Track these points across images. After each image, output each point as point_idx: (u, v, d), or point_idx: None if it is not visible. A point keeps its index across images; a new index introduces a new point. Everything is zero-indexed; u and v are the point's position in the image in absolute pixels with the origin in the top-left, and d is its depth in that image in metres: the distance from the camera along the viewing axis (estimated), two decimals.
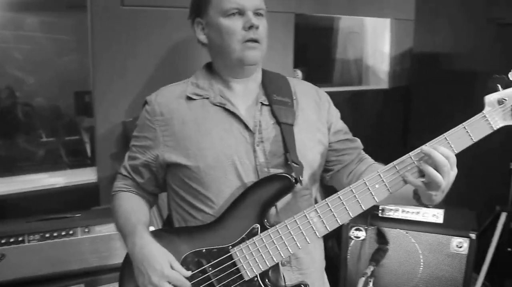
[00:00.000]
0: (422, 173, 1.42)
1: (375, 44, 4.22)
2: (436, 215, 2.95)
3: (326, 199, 1.52)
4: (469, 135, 1.44)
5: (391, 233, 3.01)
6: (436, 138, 1.45)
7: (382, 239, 3.01)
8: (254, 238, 1.56)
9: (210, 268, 1.58)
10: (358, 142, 1.87)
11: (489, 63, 3.91)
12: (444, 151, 1.38)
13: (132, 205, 1.75)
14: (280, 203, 1.64)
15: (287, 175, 1.57)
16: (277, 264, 1.61)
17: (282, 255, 1.56)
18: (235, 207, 1.60)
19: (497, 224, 3.50)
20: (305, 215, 1.54)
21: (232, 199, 1.60)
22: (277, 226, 1.55)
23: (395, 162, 1.48)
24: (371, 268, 2.81)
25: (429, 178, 1.39)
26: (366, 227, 3.02)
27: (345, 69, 4.23)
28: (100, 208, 2.95)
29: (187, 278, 1.55)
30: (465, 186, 3.17)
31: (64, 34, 4.65)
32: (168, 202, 1.81)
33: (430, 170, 1.38)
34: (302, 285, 1.63)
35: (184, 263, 1.58)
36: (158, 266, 1.50)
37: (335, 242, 3.54)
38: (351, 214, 1.51)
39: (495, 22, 3.38)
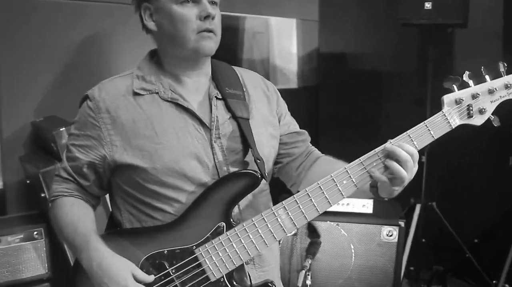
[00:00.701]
0: (387, 169, 1.44)
1: (281, 44, 4.22)
2: (366, 206, 2.97)
3: (295, 196, 1.48)
4: (430, 132, 1.48)
5: (322, 226, 2.97)
6: (400, 135, 1.47)
7: (313, 232, 2.95)
8: (220, 237, 1.49)
9: (174, 271, 1.49)
10: (306, 135, 1.82)
11: (393, 63, 4.09)
12: (409, 149, 1.41)
13: (78, 212, 1.59)
14: (242, 201, 1.57)
15: (253, 172, 1.50)
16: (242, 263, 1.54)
17: (250, 254, 1.49)
18: (198, 206, 1.50)
19: (412, 216, 3.61)
20: (274, 212, 1.48)
21: (194, 197, 1.51)
22: (244, 224, 1.49)
23: (361, 158, 1.47)
24: (309, 261, 2.72)
25: (395, 173, 1.41)
26: None
27: (251, 69, 4.17)
28: (7, 217, 2.71)
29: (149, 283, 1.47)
30: None
31: None
32: (114, 202, 1.67)
33: (396, 166, 1.40)
34: (269, 284, 1.57)
35: (144, 267, 1.49)
36: (122, 282, 1.42)
37: None
38: (319, 210, 1.48)
39: (398, 22, 3.51)
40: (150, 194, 1.53)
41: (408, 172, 1.40)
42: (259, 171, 1.51)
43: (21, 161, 2.74)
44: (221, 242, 1.48)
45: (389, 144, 1.43)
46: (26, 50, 2.79)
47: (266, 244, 1.49)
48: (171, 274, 1.48)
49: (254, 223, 1.48)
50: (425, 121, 1.47)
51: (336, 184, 1.47)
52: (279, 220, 1.48)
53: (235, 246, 1.48)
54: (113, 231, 1.63)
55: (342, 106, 4.21)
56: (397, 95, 4.12)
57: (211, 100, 1.59)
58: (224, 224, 1.49)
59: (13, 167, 2.76)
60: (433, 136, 1.48)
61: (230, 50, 4.14)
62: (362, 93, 4.12)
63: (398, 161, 1.40)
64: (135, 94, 1.55)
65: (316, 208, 1.48)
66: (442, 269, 3.71)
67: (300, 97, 4.26)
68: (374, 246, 2.94)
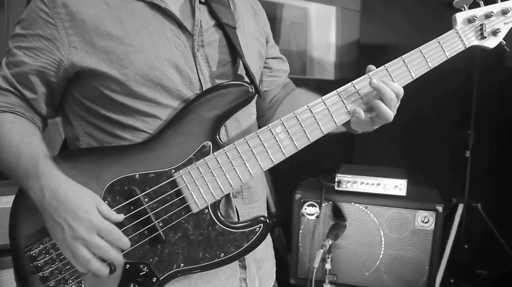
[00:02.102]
0: (369, 108, 1.31)
1: (319, 35, 4.02)
2: (398, 187, 2.64)
3: (294, 112, 1.28)
4: (443, 50, 1.36)
5: (348, 208, 2.66)
6: (412, 51, 1.34)
7: (338, 215, 2.65)
8: (205, 158, 1.24)
9: (146, 199, 1.22)
10: (288, 65, 1.66)
11: None
12: (395, 87, 1.29)
13: (21, 131, 1.27)
14: (230, 121, 1.34)
15: (246, 84, 1.28)
16: (228, 195, 1.33)
17: (242, 179, 1.26)
18: (179, 122, 1.25)
19: (454, 218, 3.26)
20: (270, 129, 1.26)
21: (173, 113, 1.27)
22: (235, 143, 1.25)
23: (338, 90, 1.32)
24: (330, 241, 2.43)
25: (381, 114, 1.28)
26: (320, 202, 2.64)
27: (288, 60, 3.98)
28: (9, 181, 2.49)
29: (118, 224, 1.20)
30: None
31: None
32: (68, 125, 1.37)
33: (383, 107, 1.27)
34: (261, 218, 1.30)
35: (109, 194, 1.22)
36: (83, 214, 1.15)
37: (282, 231, 3.14)
38: (323, 130, 1.29)
39: (443, 4, 3.24)
40: (118, 109, 1.26)
41: (392, 110, 1.28)
42: (252, 84, 1.28)
43: None
44: (206, 163, 1.23)
45: (376, 81, 1.27)
46: None
47: (261, 167, 1.25)
48: (143, 202, 1.22)
49: (246, 142, 1.25)
50: (437, 38, 1.35)
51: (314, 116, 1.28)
52: (277, 139, 1.26)
53: (223, 169, 1.24)
54: (67, 152, 1.34)
55: None
56: (443, 92, 3.81)
57: (193, 2, 1.34)
58: (210, 143, 1.25)
59: None
60: (446, 56, 1.35)
61: None
62: (404, 87, 3.83)
63: (382, 99, 1.27)
64: None
65: (320, 128, 1.28)
66: (486, 274, 3.29)
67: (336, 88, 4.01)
68: (407, 234, 2.60)
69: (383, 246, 2.62)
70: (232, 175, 1.24)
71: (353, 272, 2.66)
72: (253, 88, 1.27)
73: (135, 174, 1.22)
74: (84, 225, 1.14)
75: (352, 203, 2.65)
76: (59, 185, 1.18)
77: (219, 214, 1.26)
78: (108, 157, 1.24)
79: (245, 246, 1.26)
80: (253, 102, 1.42)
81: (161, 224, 1.22)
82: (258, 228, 1.27)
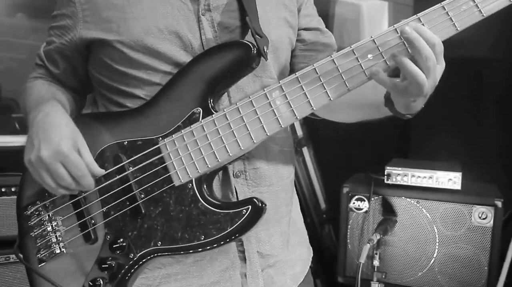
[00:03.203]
0: (394, 68, 1.05)
1: (373, 31, 3.89)
2: (453, 180, 2.47)
3: (296, 73, 1.11)
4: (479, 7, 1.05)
5: (399, 203, 2.51)
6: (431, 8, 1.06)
7: (388, 210, 2.51)
8: (192, 126, 1.15)
9: (130, 166, 1.19)
10: (332, 38, 1.46)
11: (497, 50, 3.58)
12: (430, 37, 1.01)
13: (48, 87, 1.36)
14: (235, 91, 1.24)
15: (247, 42, 1.14)
16: (228, 174, 1.22)
17: (229, 151, 1.13)
18: (172, 87, 1.19)
19: None
20: (265, 94, 1.12)
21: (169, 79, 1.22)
22: (225, 109, 1.14)
23: (352, 46, 1.08)
24: (378, 236, 2.29)
25: (410, 77, 1.02)
26: (369, 196, 2.51)
27: None
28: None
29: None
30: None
31: None
32: (93, 101, 1.42)
33: (410, 66, 1.01)
34: (254, 200, 1.12)
35: (100, 159, 1.21)
36: (55, 138, 1.13)
37: (332, 228, 3.02)
38: (330, 96, 1.08)
39: None
40: (118, 78, 1.26)
41: (429, 76, 1.01)
42: (256, 45, 1.14)
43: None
44: (192, 131, 1.14)
45: (409, 29, 1.01)
46: None
47: (252, 138, 1.12)
48: (126, 169, 1.18)
49: (237, 108, 1.12)
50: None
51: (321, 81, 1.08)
52: (272, 105, 1.11)
53: (208, 138, 1.12)
54: (79, 115, 1.37)
55: (436, 101, 3.74)
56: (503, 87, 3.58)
57: None
58: (200, 109, 1.15)
59: None
60: (482, 13, 1.05)
61: None
62: (459, 83, 3.63)
63: (415, 57, 1.01)
64: None
65: (327, 92, 1.08)
66: None
67: None
68: (463, 230, 2.43)
69: (437, 243, 2.46)
70: (218, 145, 1.12)
71: (404, 271, 2.51)
72: (255, 48, 1.13)
73: (124, 141, 1.20)
74: (51, 150, 1.12)
75: (403, 197, 2.50)
76: (54, 111, 1.20)
77: (205, 191, 1.15)
78: (103, 123, 1.24)
79: (228, 230, 1.11)
80: (271, 73, 1.30)
81: (142, 195, 1.17)
82: (245, 210, 1.11)
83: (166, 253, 1.16)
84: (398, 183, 2.54)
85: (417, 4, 3.96)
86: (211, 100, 1.16)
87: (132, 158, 1.18)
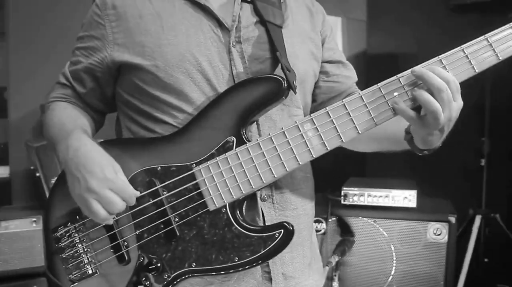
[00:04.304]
0: (415, 103, 1.14)
1: None
2: (408, 198, 2.52)
3: (327, 108, 1.18)
4: (495, 51, 1.13)
5: (356, 223, 2.54)
6: (473, 41, 1.13)
7: (346, 231, 2.54)
8: (226, 153, 1.20)
9: (164, 191, 1.23)
10: (353, 71, 1.53)
11: None
12: (442, 73, 1.11)
13: (70, 113, 1.41)
14: (264, 119, 1.30)
15: (278, 77, 1.21)
16: (255, 198, 1.26)
17: (263, 179, 1.18)
18: (205, 116, 1.24)
19: (471, 230, 3.10)
20: (297, 126, 1.18)
21: (201, 107, 1.27)
22: (258, 139, 1.20)
23: (379, 84, 1.16)
24: (336, 258, 2.31)
25: (425, 106, 1.11)
26: (326, 218, 2.54)
27: None
28: (12, 207, 2.65)
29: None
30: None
31: None
32: (117, 122, 1.48)
33: (425, 96, 1.10)
34: (284, 224, 1.19)
35: (133, 184, 1.23)
36: (97, 169, 1.18)
37: None
38: (359, 129, 1.16)
39: (451, 4, 3.13)
40: (150, 102, 1.31)
41: (444, 108, 1.09)
42: (286, 79, 1.21)
43: (27, 150, 2.57)
44: (226, 159, 1.19)
45: (417, 67, 1.11)
46: (36, 32, 2.75)
47: (285, 167, 1.17)
48: (161, 194, 1.23)
49: (271, 138, 1.18)
50: (485, 35, 1.13)
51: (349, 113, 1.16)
52: (304, 136, 1.17)
53: (243, 166, 1.18)
54: (105, 140, 1.39)
55: None
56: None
57: (236, 1, 1.35)
58: (234, 139, 1.21)
59: (21, 157, 2.66)
60: (498, 57, 1.13)
61: None
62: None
63: (429, 91, 1.10)
64: None
65: (356, 126, 1.15)
66: None
67: None
68: (419, 247, 2.48)
69: (394, 261, 2.50)
70: (252, 173, 1.18)
71: None
72: (285, 82, 1.20)
73: (158, 166, 1.24)
74: (97, 178, 1.16)
75: (360, 217, 2.54)
76: (83, 145, 1.23)
77: (237, 215, 1.20)
78: (135, 149, 1.28)
79: (262, 252, 1.17)
80: (297, 103, 1.36)
81: (177, 219, 1.22)
82: (277, 234, 1.17)
83: (200, 274, 1.21)
84: (355, 203, 2.57)
85: (370, 20, 4.06)
86: (244, 130, 1.22)
87: (166, 183, 1.22)
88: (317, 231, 2.57)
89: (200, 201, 1.20)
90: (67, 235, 1.30)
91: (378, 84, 1.15)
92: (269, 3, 1.37)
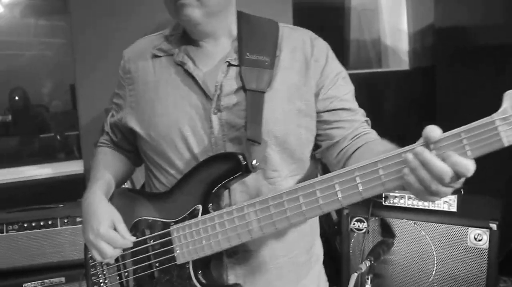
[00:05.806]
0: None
1: (392, 21, 3.78)
2: (449, 203, 2.50)
3: (282, 190, 1.25)
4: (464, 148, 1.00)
5: (397, 224, 2.58)
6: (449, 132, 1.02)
7: (386, 231, 2.58)
8: (193, 220, 1.38)
9: (151, 240, 1.46)
10: (359, 114, 1.50)
11: None
12: (460, 163, 1.00)
13: (105, 160, 1.65)
14: (237, 184, 1.41)
15: (238, 156, 1.32)
16: (221, 254, 1.41)
17: (221, 245, 1.34)
18: (185, 181, 1.42)
19: None
20: (243, 207, 1.30)
21: (186, 171, 1.43)
22: (215, 212, 1.35)
23: (380, 158, 1.11)
24: (367, 263, 2.38)
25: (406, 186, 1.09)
26: (367, 218, 2.60)
27: (361, 50, 3.83)
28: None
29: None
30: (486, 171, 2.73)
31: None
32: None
33: (409, 177, 1.06)
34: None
35: (134, 229, 1.49)
36: (95, 224, 1.42)
37: None
38: (306, 215, 1.23)
39: None
40: (152, 162, 1.53)
41: (422, 185, 1.04)
42: (243, 158, 1.30)
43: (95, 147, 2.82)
44: (191, 224, 1.38)
45: (410, 156, 1.04)
46: (103, 37, 2.89)
47: (240, 238, 1.31)
48: (148, 242, 1.45)
49: (223, 214, 1.33)
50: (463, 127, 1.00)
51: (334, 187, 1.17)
52: (247, 218, 1.29)
53: (202, 233, 1.36)
54: (125, 188, 1.69)
55: (463, 90, 3.64)
56: None
57: (223, 66, 1.44)
58: (201, 207, 1.37)
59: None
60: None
61: (335, 32, 3.86)
62: (487, 74, 3.51)
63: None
64: (154, 55, 1.50)
65: (303, 212, 1.22)
66: None
67: (413, 80, 3.77)
68: (460, 251, 2.47)
69: (435, 262, 2.52)
70: (207, 241, 1.35)
71: None
72: (244, 161, 1.30)
73: (150, 219, 1.47)
74: (93, 232, 1.42)
75: (401, 218, 2.57)
76: (93, 199, 1.47)
77: (198, 271, 1.38)
78: (140, 200, 1.52)
79: None
80: (273, 166, 1.43)
81: (157, 264, 1.44)
82: None
83: None
84: (395, 204, 2.60)
85: None
86: (211, 199, 1.37)
87: (153, 235, 1.45)
88: (358, 230, 2.65)
89: (171, 255, 1.40)
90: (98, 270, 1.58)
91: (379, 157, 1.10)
92: (256, 64, 1.41)
